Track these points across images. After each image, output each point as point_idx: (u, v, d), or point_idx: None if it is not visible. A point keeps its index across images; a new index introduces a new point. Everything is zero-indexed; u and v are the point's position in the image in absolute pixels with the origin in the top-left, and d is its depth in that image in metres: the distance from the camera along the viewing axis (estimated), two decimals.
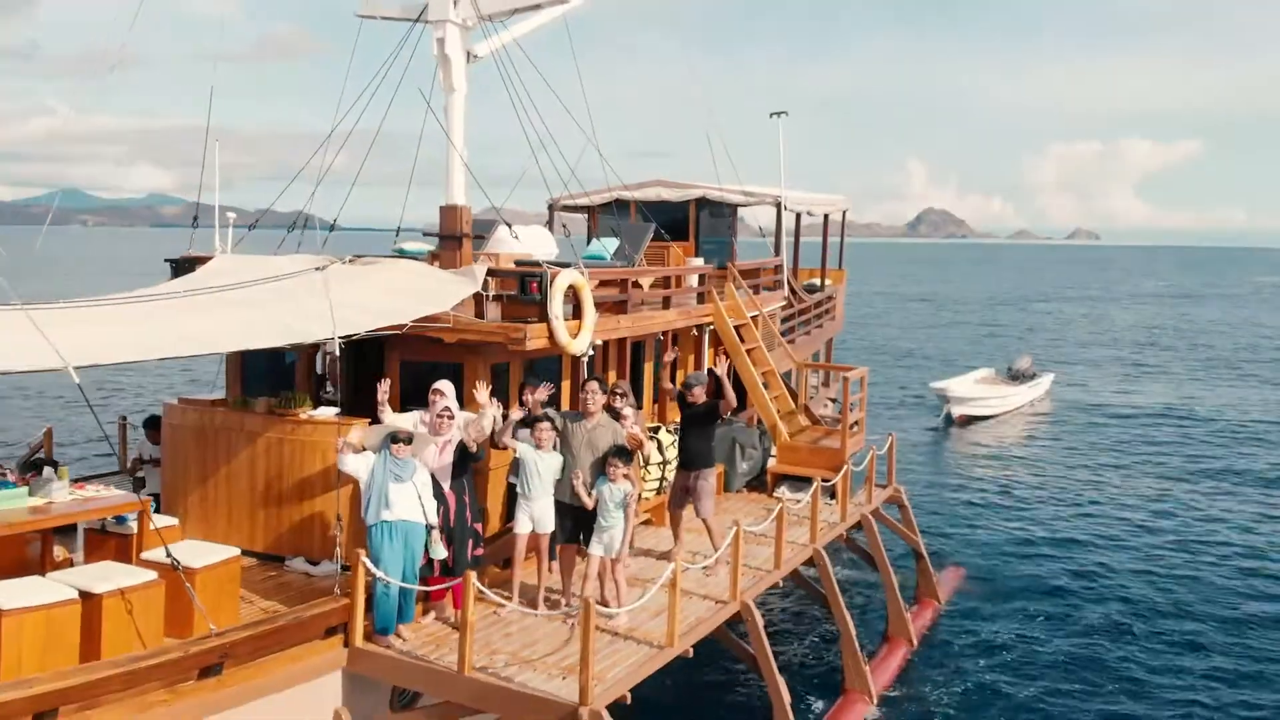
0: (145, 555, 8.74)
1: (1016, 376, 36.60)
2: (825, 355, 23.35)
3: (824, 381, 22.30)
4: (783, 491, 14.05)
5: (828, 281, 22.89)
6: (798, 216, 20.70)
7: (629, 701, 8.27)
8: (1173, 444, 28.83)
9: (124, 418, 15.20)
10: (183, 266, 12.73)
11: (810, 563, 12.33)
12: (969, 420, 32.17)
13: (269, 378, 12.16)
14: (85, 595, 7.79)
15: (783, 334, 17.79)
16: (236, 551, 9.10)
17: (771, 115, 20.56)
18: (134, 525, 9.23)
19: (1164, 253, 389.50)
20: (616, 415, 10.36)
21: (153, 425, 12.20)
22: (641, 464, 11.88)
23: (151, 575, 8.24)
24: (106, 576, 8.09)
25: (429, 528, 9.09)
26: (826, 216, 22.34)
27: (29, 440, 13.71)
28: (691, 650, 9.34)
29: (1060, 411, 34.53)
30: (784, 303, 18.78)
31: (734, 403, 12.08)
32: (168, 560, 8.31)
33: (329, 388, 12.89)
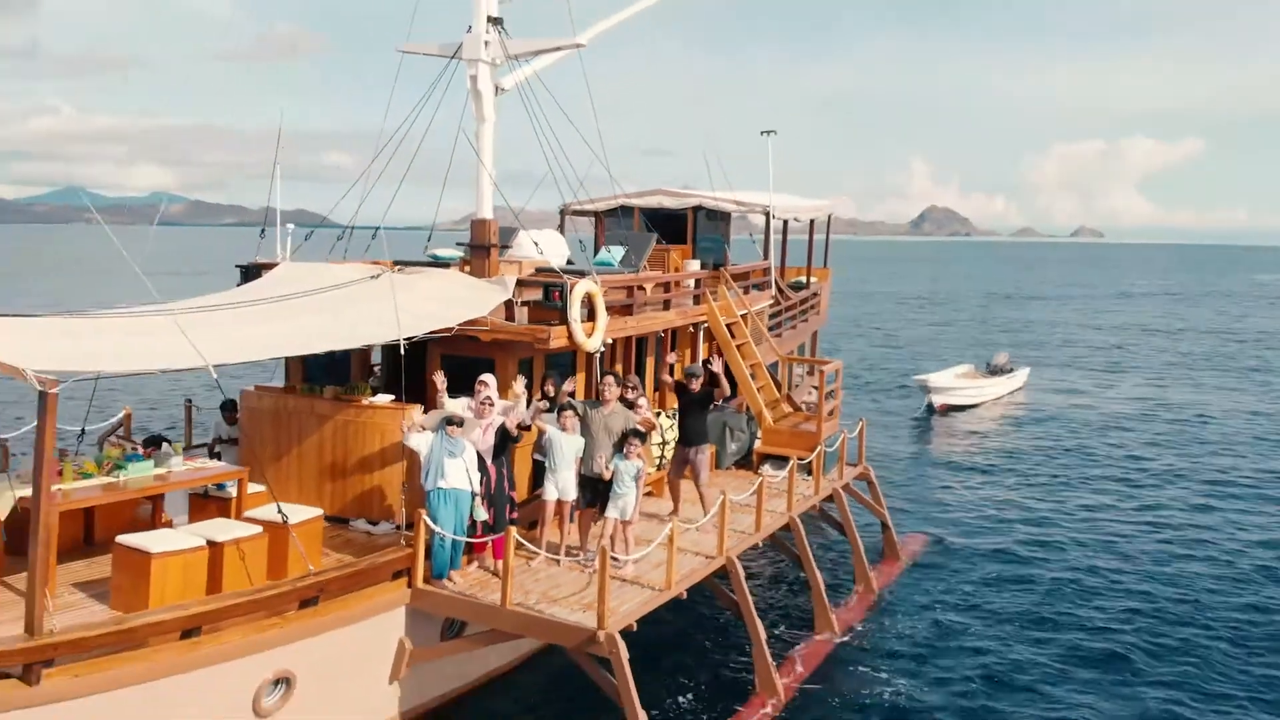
0: (248, 514, 10.88)
1: (995, 371, 38.88)
2: (811, 347, 25.47)
3: (809, 371, 24.44)
4: (766, 469, 16.20)
5: (813, 279, 25.00)
6: (785, 222, 22.80)
7: (635, 629, 10.44)
8: (1136, 434, 30.97)
9: (189, 401, 17.38)
10: (251, 272, 14.87)
11: (787, 528, 14.53)
12: (949, 409, 34.38)
13: (326, 369, 14.26)
14: (211, 543, 9.95)
15: (770, 329, 19.95)
16: (320, 511, 11.25)
17: (762, 133, 22.66)
18: (233, 491, 11.39)
19: (1166, 251, 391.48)
20: (631, 405, 12.53)
21: (228, 409, 14.30)
22: (652, 452, 14.07)
23: (257, 529, 10.40)
24: (225, 530, 10.24)
25: (474, 494, 11.24)
26: (812, 221, 24.44)
27: (110, 420, 15.71)
28: (685, 593, 11.54)
29: (1033, 403, 36.66)
30: (771, 301, 20.90)
31: (727, 391, 14.28)
32: (272, 517, 10.45)
33: (372, 377, 15.04)
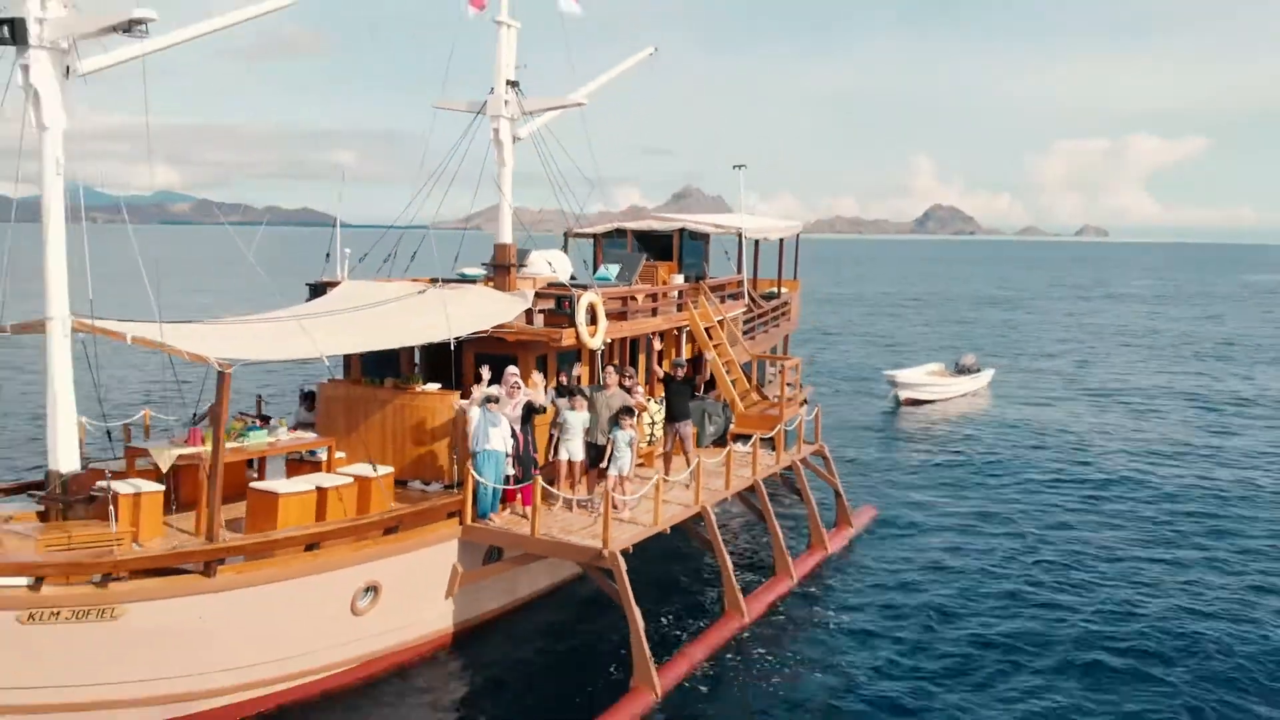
0: (339, 470, 14.44)
1: (962, 370, 42.52)
2: (784, 348, 29.06)
3: (795, 367, 28.00)
4: (737, 446, 19.77)
5: (784, 290, 28.65)
6: (756, 242, 26.45)
7: (630, 551, 13.99)
8: (1087, 426, 34.48)
9: (260, 396, 20.93)
10: (318, 289, 18.46)
11: (753, 490, 18.12)
12: (914, 403, 38.02)
13: (378, 365, 17.78)
14: (318, 488, 13.53)
15: (745, 333, 23.58)
16: (392, 469, 14.83)
17: (734, 167, 26.36)
18: (323, 456, 14.98)
19: (1168, 250, 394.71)
20: (629, 390, 16.15)
21: (307, 399, 17.83)
22: (644, 426, 17.69)
23: (349, 480, 13.97)
24: (327, 480, 13.82)
25: (507, 455, 14.80)
26: (782, 240, 28.10)
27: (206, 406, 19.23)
28: (670, 530, 15.13)
29: (995, 400, 40.22)
30: (745, 308, 24.53)
31: (706, 377, 17.85)
32: (357, 473, 14.03)
33: (414, 369, 18.61)
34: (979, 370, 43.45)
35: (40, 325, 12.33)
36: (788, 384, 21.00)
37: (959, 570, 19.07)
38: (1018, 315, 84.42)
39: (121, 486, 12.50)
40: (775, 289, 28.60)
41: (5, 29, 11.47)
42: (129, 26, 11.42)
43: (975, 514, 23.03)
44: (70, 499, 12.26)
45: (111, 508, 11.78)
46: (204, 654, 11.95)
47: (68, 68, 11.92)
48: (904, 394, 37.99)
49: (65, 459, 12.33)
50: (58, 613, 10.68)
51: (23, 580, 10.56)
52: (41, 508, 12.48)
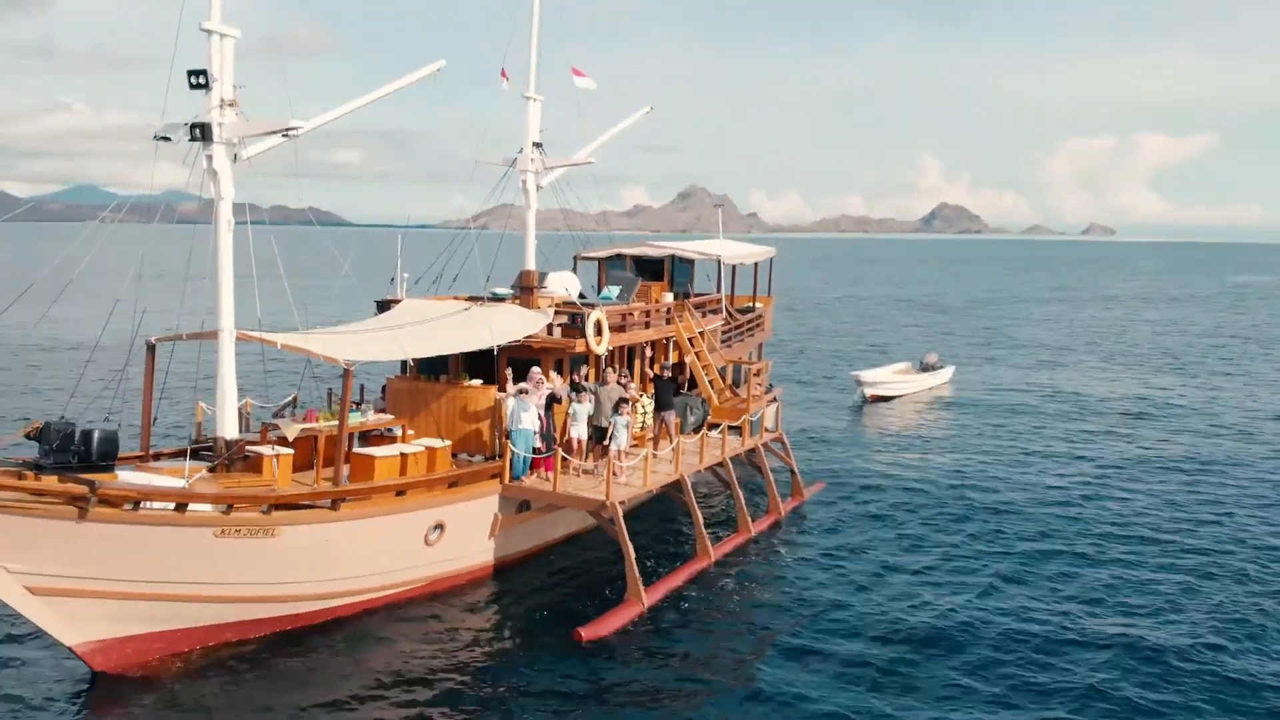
0: (413, 443, 19.60)
1: (925, 368, 47.77)
2: (758, 353, 34.21)
3: (756, 371, 33.20)
4: (711, 433, 24.95)
5: (758, 305, 33.84)
6: (734, 267, 31.65)
7: (625, 504, 19.15)
8: (1035, 418, 39.63)
9: (330, 390, 26.07)
10: (384, 305, 23.62)
11: (722, 465, 23.30)
12: (879, 399, 43.20)
13: (432, 365, 22.88)
14: (401, 454, 18.71)
15: (723, 342, 28.75)
16: (450, 443, 20.00)
17: (714, 205, 31.47)
18: (398, 433, 20.16)
19: (1174, 250, 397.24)
20: (625, 386, 21.37)
21: (382, 393, 22.96)
22: (638, 414, 22.88)
23: (421, 448, 19.15)
24: (406, 448, 18.99)
25: (534, 433, 19.97)
26: (757, 265, 33.33)
27: (287, 395, 24.32)
28: (656, 489, 20.32)
29: (953, 394, 45.35)
30: (723, 321, 29.71)
31: (688, 377, 23.03)
32: (425, 444, 19.20)
33: (460, 368, 23.74)
34: (941, 368, 48.69)
35: (212, 334, 17.52)
36: (757, 384, 26.19)
37: (888, 525, 24.25)
38: (998, 317, 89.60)
39: (265, 450, 17.69)
40: (751, 304, 33.78)
41: (196, 130, 16.64)
42: (285, 132, 16.61)
43: (914, 488, 28.13)
44: (232, 458, 17.45)
45: (273, 461, 16.98)
46: (327, 566, 17.12)
47: (235, 155, 17.11)
48: (869, 391, 43.20)
49: (229, 430, 17.53)
50: (239, 530, 15.82)
51: (215, 509, 15.69)
52: (211, 465, 17.66)
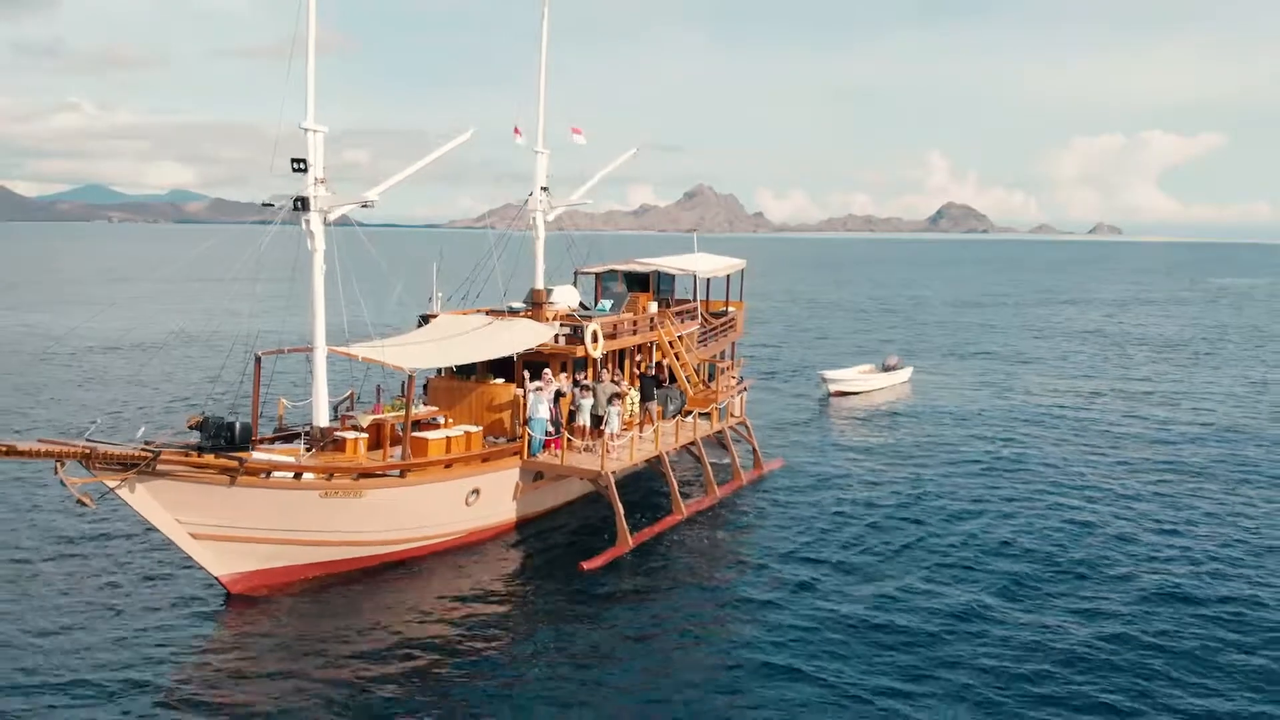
0: (452, 429, 25.75)
1: (886, 369, 53.83)
2: (731, 352, 40.30)
3: (724, 369, 39.31)
4: (686, 420, 31.06)
5: (731, 309, 39.95)
6: (708, 280, 37.73)
7: (616, 473, 25.34)
8: (981, 413, 45.83)
9: (379, 386, 32.26)
10: (425, 320, 29.73)
11: (694, 444, 29.47)
12: (842, 394, 49.31)
13: (465, 367, 28.96)
14: (447, 438, 24.88)
15: (700, 342, 34.87)
16: (480, 428, 26.16)
17: (689, 230, 37.48)
18: (441, 421, 26.32)
19: (1178, 250, 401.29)
20: (618, 383, 27.59)
21: (424, 390, 29.08)
22: (627, 405, 29.06)
23: (461, 432, 25.32)
24: (451, 431, 25.15)
25: (546, 420, 26.11)
26: (729, 277, 39.44)
27: (342, 395, 30.42)
28: (642, 464, 26.55)
29: (911, 393, 51.39)
30: (699, 325, 35.82)
31: (667, 373, 29.23)
32: (464, 430, 25.37)
33: (480, 371, 29.91)
34: (900, 368, 54.76)
35: (308, 348, 23.67)
36: (729, 379, 32.33)
37: (834, 489, 30.41)
38: (968, 323, 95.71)
39: (349, 434, 23.85)
40: (725, 308, 39.90)
41: (298, 202, 22.71)
42: (365, 204, 22.70)
43: (860, 465, 34.33)
44: (325, 440, 23.61)
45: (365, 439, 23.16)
46: (397, 519, 23.28)
47: (325, 217, 23.19)
48: (832, 388, 49.31)
49: (323, 420, 23.69)
50: (336, 493, 21.96)
51: (320, 477, 21.81)
52: (308, 446, 23.81)
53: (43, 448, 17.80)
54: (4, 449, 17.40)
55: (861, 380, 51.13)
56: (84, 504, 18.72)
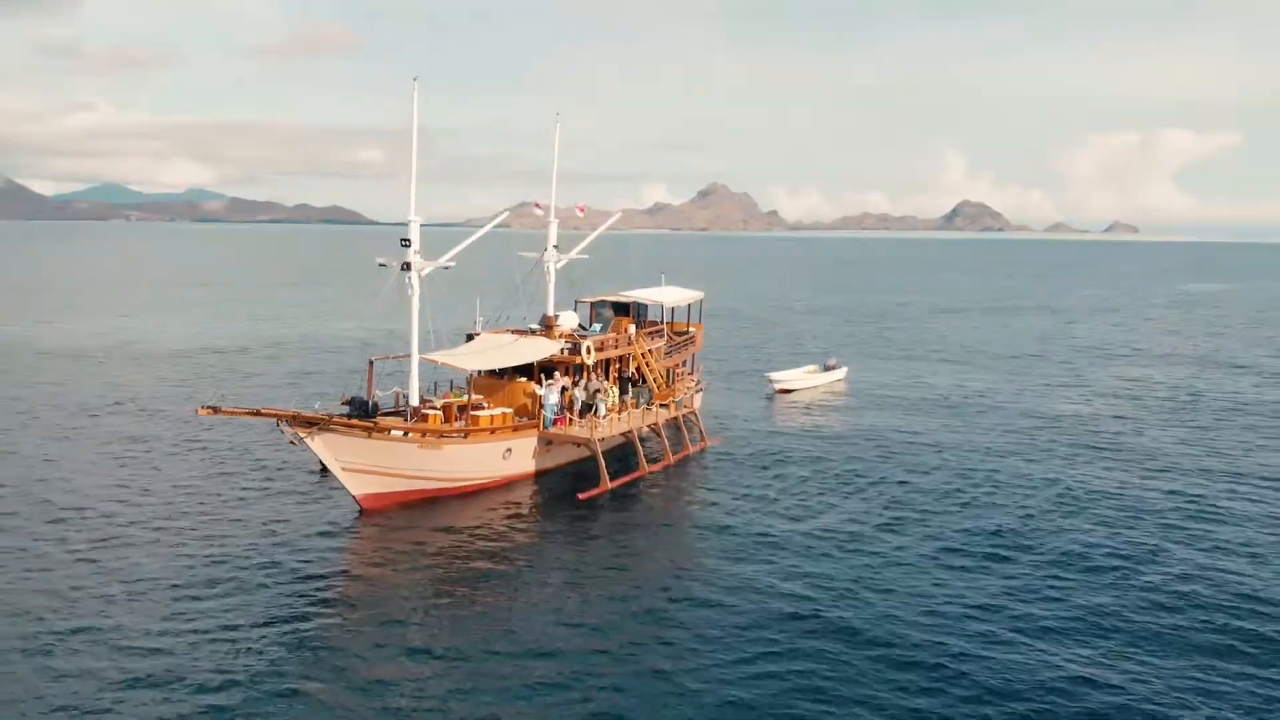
0: (492, 410, 39.37)
1: (826, 368, 67.23)
2: (692, 361, 53.73)
3: (690, 372, 52.90)
4: (652, 409, 44.53)
5: (692, 328, 53.57)
6: (673, 309, 51.46)
7: (602, 442, 38.94)
8: (909, 405, 59.19)
9: (434, 382, 46.01)
10: (470, 337, 43.33)
11: (654, 425, 43.12)
12: (785, 391, 62.72)
13: (500, 369, 42.41)
14: (491, 415, 38.55)
15: (667, 354, 48.49)
16: (511, 410, 39.77)
17: (660, 274, 51.24)
18: (484, 405, 39.98)
19: (1187, 250, 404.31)
20: (604, 383, 41.36)
21: (467, 383, 42.60)
22: (610, 397, 42.69)
23: (500, 412, 38.95)
24: (495, 410, 38.81)
25: (555, 405, 39.68)
26: (690, 306, 53.10)
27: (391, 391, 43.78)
28: (620, 437, 40.34)
29: (846, 389, 64.48)
30: (665, 341, 49.39)
31: (639, 376, 42.94)
32: (500, 411, 39.01)
33: (510, 372, 43.51)
34: (838, 368, 68.16)
35: (406, 356, 37.26)
36: (687, 381, 46.05)
37: (766, 460, 43.90)
38: (942, 325, 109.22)
39: (430, 411, 37.47)
40: (687, 328, 53.52)
41: (405, 264, 36.36)
42: (445, 267, 36.36)
43: (782, 439, 47.75)
44: (418, 413, 37.22)
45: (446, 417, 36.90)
46: (462, 465, 36.81)
47: (420, 273, 36.78)
48: (777, 386, 62.78)
49: (415, 401, 37.31)
50: (426, 446, 35.50)
51: (417, 435, 35.28)
52: (407, 418, 37.36)
53: (273, 410, 31.47)
54: (252, 412, 31.06)
55: (802, 379, 64.40)
56: (293, 444, 32.40)
